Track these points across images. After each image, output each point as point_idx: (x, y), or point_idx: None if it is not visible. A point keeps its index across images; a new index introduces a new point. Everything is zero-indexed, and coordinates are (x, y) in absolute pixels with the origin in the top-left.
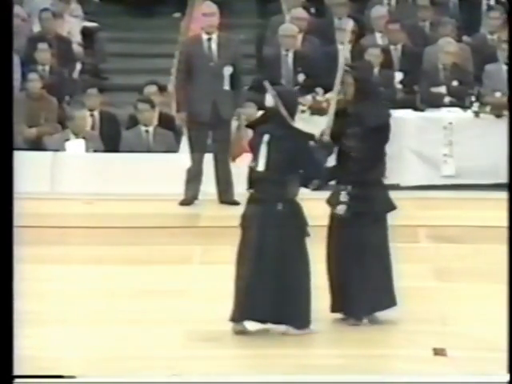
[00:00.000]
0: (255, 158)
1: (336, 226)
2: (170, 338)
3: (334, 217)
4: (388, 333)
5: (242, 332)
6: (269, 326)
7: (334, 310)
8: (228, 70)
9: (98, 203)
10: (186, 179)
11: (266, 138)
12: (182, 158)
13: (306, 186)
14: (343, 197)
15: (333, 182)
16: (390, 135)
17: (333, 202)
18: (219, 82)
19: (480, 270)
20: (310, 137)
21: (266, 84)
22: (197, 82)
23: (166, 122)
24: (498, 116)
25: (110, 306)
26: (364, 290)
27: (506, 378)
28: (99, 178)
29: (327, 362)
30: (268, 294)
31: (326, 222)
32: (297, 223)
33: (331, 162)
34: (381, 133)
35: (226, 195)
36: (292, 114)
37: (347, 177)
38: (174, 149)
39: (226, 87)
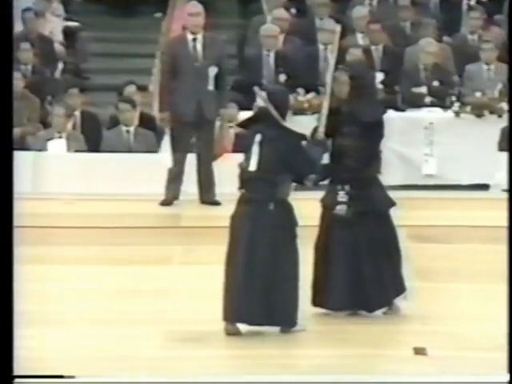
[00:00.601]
0: (246, 158)
1: (336, 226)
2: (150, 338)
3: (331, 217)
4: (371, 332)
5: (235, 333)
6: (258, 327)
7: (327, 307)
8: (213, 71)
9: (79, 203)
10: (167, 179)
11: (257, 137)
12: (164, 158)
13: (301, 182)
14: (342, 196)
15: (326, 182)
16: (384, 132)
17: (329, 202)
18: (204, 83)
19: (462, 269)
20: (302, 136)
21: (256, 89)
22: (181, 82)
23: (146, 122)
24: (479, 116)
25: (89, 306)
26: (377, 287)
27: (506, 378)
28: (81, 178)
29: (311, 362)
30: (258, 294)
31: (315, 222)
32: (288, 223)
33: (326, 158)
34: (376, 130)
35: (207, 195)
36: (283, 114)
37: (343, 176)
38: (154, 149)
39: (211, 87)
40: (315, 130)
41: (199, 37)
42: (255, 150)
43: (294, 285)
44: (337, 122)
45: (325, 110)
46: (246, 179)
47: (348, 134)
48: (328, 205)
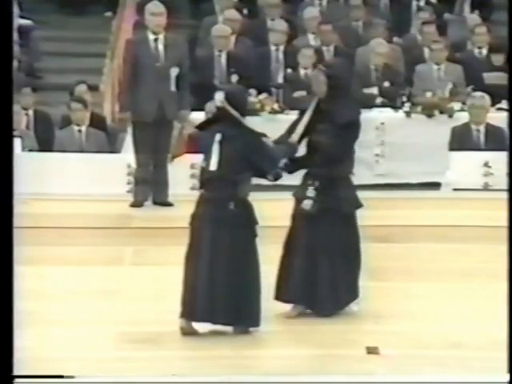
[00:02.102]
0: (206, 158)
1: (301, 220)
2: (101, 338)
3: (299, 211)
4: (323, 332)
5: (192, 332)
6: (218, 327)
7: (281, 299)
8: (174, 71)
9: (34, 203)
10: (134, 181)
11: (217, 137)
12: (126, 158)
13: (264, 177)
14: (310, 192)
15: (300, 175)
16: (359, 133)
17: (299, 195)
18: (165, 83)
19: (415, 269)
20: (262, 134)
21: (217, 95)
22: (143, 82)
23: (97, 121)
24: (429, 116)
25: (40, 306)
26: (330, 288)
27: (506, 377)
28: (36, 178)
29: (264, 362)
30: (220, 294)
31: (276, 222)
32: (248, 222)
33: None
34: (350, 130)
35: (160, 196)
36: (242, 113)
37: (315, 171)
38: (105, 149)
39: (172, 88)
40: (289, 132)
41: (161, 37)
42: (215, 149)
43: (256, 284)
44: (312, 119)
45: (304, 123)
46: (206, 179)
47: (323, 132)
48: (298, 198)
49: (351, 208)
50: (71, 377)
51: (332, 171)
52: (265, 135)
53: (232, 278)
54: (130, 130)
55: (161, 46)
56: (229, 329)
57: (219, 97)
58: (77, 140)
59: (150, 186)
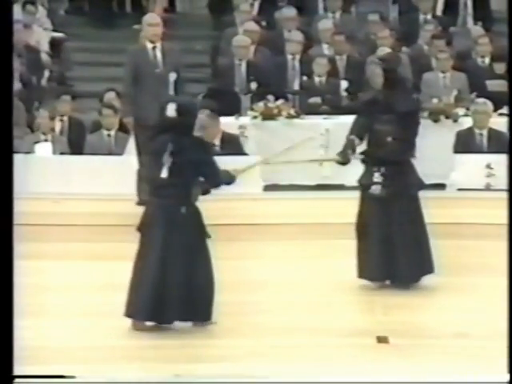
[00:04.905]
0: (157, 166)
1: (372, 204)
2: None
3: (366, 197)
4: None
5: (143, 328)
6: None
7: (366, 277)
8: (172, 76)
9: (65, 202)
10: (137, 180)
11: (169, 146)
12: (130, 160)
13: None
14: (377, 177)
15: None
16: (419, 119)
17: (365, 182)
18: (165, 88)
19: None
20: (211, 145)
21: (169, 106)
22: (143, 88)
23: (125, 126)
24: (435, 121)
25: (75, 298)
26: (411, 259)
27: (506, 377)
28: (66, 179)
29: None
30: (173, 295)
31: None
32: (198, 225)
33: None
34: (411, 117)
35: None
36: (191, 124)
37: (380, 158)
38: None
39: (171, 92)
40: (351, 131)
41: (158, 45)
42: (167, 158)
43: (211, 282)
44: (374, 110)
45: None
46: (158, 185)
47: (385, 121)
48: (363, 185)
49: (417, 189)
50: (72, 377)
51: (397, 156)
52: (214, 145)
53: (184, 277)
54: (132, 133)
55: (159, 54)
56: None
57: (171, 108)
58: (106, 143)
59: None
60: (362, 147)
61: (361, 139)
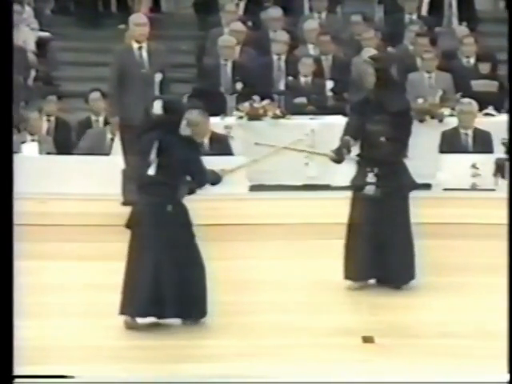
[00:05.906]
0: (144, 163)
1: (365, 205)
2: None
3: (359, 197)
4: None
5: (135, 327)
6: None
7: (352, 279)
8: (158, 77)
9: (51, 202)
10: (122, 181)
11: (156, 144)
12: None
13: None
14: (370, 178)
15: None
16: (411, 119)
17: (357, 183)
18: (150, 88)
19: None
20: (198, 143)
21: (155, 103)
22: (129, 88)
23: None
24: (421, 121)
25: (61, 298)
26: (402, 260)
27: (506, 377)
28: (52, 179)
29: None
30: (165, 291)
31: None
32: (185, 223)
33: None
34: (402, 117)
35: None
36: (178, 122)
37: (373, 158)
38: None
39: (156, 92)
40: (345, 132)
41: (144, 45)
42: (154, 155)
43: (202, 280)
44: (366, 109)
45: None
46: (145, 183)
47: (377, 121)
48: (356, 185)
49: (410, 189)
50: (71, 377)
51: (391, 157)
52: (202, 144)
53: (175, 275)
54: (117, 133)
55: (145, 54)
56: (177, 321)
57: (157, 106)
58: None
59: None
60: (355, 148)
61: (355, 139)
